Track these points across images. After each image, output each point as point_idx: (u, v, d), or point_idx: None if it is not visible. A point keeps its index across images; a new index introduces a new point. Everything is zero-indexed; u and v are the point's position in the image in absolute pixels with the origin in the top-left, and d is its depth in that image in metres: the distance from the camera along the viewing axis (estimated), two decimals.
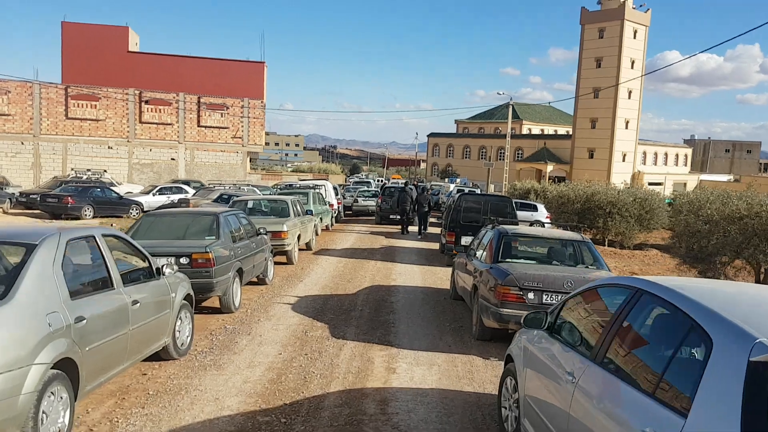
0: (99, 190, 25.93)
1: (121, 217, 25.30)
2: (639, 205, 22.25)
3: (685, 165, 77.05)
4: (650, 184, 67.61)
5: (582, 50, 62.97)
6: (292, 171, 62.57)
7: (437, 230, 23.27)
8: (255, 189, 29.49)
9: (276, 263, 13.06)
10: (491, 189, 49.60)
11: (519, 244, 8.64)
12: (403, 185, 25.32)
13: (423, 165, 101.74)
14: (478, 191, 32.86)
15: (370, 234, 21.32)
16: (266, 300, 9.60)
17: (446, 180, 63.12)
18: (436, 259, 15.42)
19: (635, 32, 60.77)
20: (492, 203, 14.01)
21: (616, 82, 59.76)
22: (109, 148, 36.24)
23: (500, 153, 73.40)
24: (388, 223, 25.66)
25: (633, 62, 60.73)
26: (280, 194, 20.26)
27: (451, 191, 35.22)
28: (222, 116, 37.40)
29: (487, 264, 7.98)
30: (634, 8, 60.15)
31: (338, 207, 26.74)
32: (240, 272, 8.88)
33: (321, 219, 20.10)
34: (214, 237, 8.42)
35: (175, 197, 28.40)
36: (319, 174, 59.39)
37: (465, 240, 13.96)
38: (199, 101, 36.86)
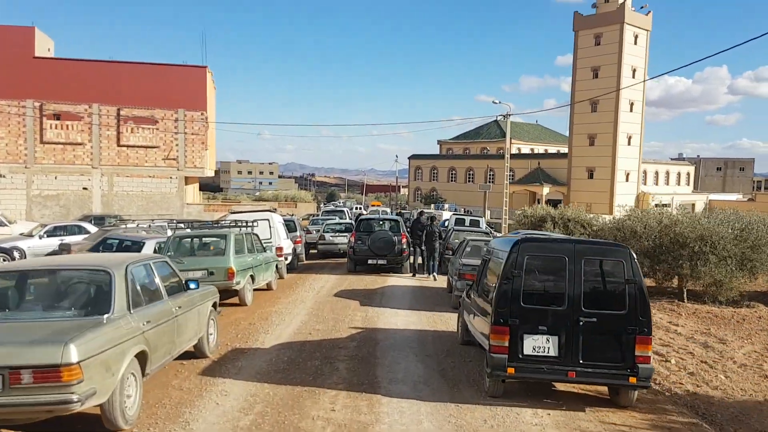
0: None
1: None
2: (739, 240, 14.79)
3: (688, 184, 70.95)
4: (657, 206, 61.13)
5: (576, 59, 56.64)
6: (255, 200, 54.42)
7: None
8: (182, 226, 21.60)
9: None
10: (488, 215, 42.18)
11: None
12: (417, 215, 19.99)
13: (403, 191, 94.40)
14: (482, 222, 25.22)
15: (336, 296, 13.41)
16: None
17: (432, 206, 55.65)
18: (461, 371, 7.55)
19: (636, 37, 54.67)
20: (588, 258, 6.28)
21: (616, 93, 53.38)
22: (1, 176, 27.91)
23: (489, 174, 66.48)
24: (365, 270, 17.89)
25: (634, 71, 54.52)
26: (186, 237, 12.38)
27: (446, 221, 27.57)
28: (151, 132, 29.40)
29: None
30: (633, 10, 54.17)
31: (295, 248, 19.06)
32: None
33: (252, 278, 12.19)
34: None
35: (74, 239, 20.61)
36: (286, 202, 51.37)
37: (533, 344, 6.22)
38: (119, 114, 28.84)
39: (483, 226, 24.70)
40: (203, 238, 12.11)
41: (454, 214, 26.05)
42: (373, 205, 59.77)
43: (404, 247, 17.58)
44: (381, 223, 19.00)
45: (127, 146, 29.12)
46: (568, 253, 6.37)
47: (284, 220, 21.21)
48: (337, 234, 22.70)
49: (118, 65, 30.63)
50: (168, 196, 29.91)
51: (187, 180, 32.52)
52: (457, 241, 18.48)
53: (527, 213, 27.88)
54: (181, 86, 31.56)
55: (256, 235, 13.51)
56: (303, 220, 37.62)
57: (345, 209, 33.17)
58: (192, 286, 7.13)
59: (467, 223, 24.14)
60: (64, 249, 18.70)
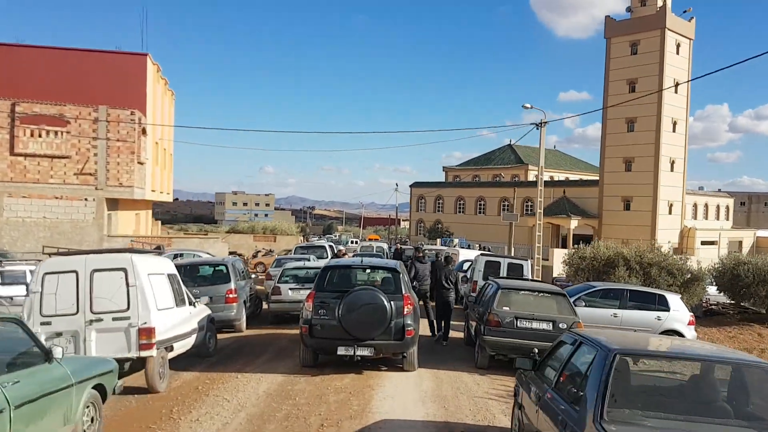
0: None
1: None
2: None
3: (727, 219, 62.50)
4: (703, 243, 52.67)
5: (608, 71, 49.01)
6: (229, 231, 46.15)
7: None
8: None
9: None
10: (513, 254, 33.68)
11: None
12: (434, 255, 14.78)
13: (404, 224, 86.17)
14: (527, 268, 16.69)
15: None
16: None
17: (438, 241, 47.29)
18: None
19: (678, 46, 47.10)
20: None
21: (658, 109, 45.59)
22: None
23: (503, 205, 58.24)
24: (333, 363, 9.57)
25: (677, 84, 46.72)
26: None
27: (466, 263, 19.11)
28: (59, 137, 21.32)
29: None
30: (674, 16, 46.74)
31: (212, 317, 10.84)
32: None
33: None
34: None
35: None
36: (264, 234, 43.07)
37: None
38: (13, 111, 20.82)
39: (528, 273, 16.16)
40: None
41: (482, 255, 17.48)
42: (369, 239, 51.29)
43: (409, 322, 9.20)
44: (368, 273, 10.62)
45: (25, 155, 21.02)
46: None
47: (209, 264, 12.91)
48: (301, 286, 14.29)
49: (19, 49, 22.78)
50: (81, 225, 21.64)
51: (120, 204, 24.37)
52: (506, 308, 10.08)
53: (585, 254, 19.41)
54: (111, 79, 23.69)
55: (17, 321, 5.13)
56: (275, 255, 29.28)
57: (327, 245, 24.52)
58: None
59: (504, 269, 15.62)
60: None
